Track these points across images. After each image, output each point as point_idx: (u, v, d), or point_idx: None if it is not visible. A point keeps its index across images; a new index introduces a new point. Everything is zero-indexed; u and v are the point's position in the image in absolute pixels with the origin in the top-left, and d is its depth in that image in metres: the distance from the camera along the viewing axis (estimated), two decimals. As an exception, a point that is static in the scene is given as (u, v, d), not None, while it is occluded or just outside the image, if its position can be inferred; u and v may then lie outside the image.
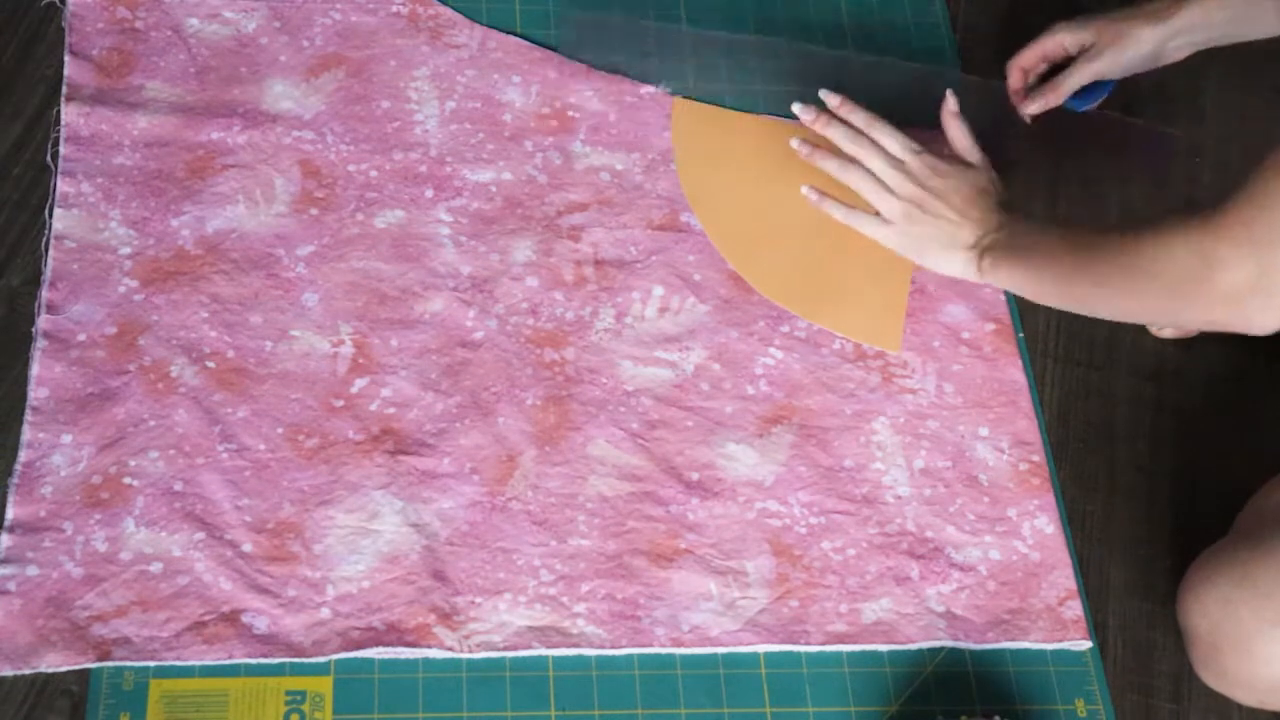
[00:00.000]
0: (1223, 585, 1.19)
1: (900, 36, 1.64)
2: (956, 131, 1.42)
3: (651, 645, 1.24)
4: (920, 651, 1.27)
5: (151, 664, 1.17)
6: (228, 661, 1.18)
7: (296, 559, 1.23)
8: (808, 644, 1.25)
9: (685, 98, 1.55)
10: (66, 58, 1.46)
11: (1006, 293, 1.47)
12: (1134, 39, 1.45)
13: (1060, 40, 1.47)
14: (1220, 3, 1.42)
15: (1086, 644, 1.29)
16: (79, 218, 1.37)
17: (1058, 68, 1.50)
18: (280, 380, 1.32)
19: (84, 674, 1.17)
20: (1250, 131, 1.60)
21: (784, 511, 1.32)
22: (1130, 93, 1.56)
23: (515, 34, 1.57)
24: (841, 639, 1.26)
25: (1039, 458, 1.38)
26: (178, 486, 1.25)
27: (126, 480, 1.24)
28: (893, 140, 1.41)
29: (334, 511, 1.26)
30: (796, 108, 1.45)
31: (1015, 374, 1.42)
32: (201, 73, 1.48)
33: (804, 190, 1.46)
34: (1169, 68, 1.50)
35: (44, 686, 1.16)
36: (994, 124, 1.50)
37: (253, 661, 1.18)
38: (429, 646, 1.21)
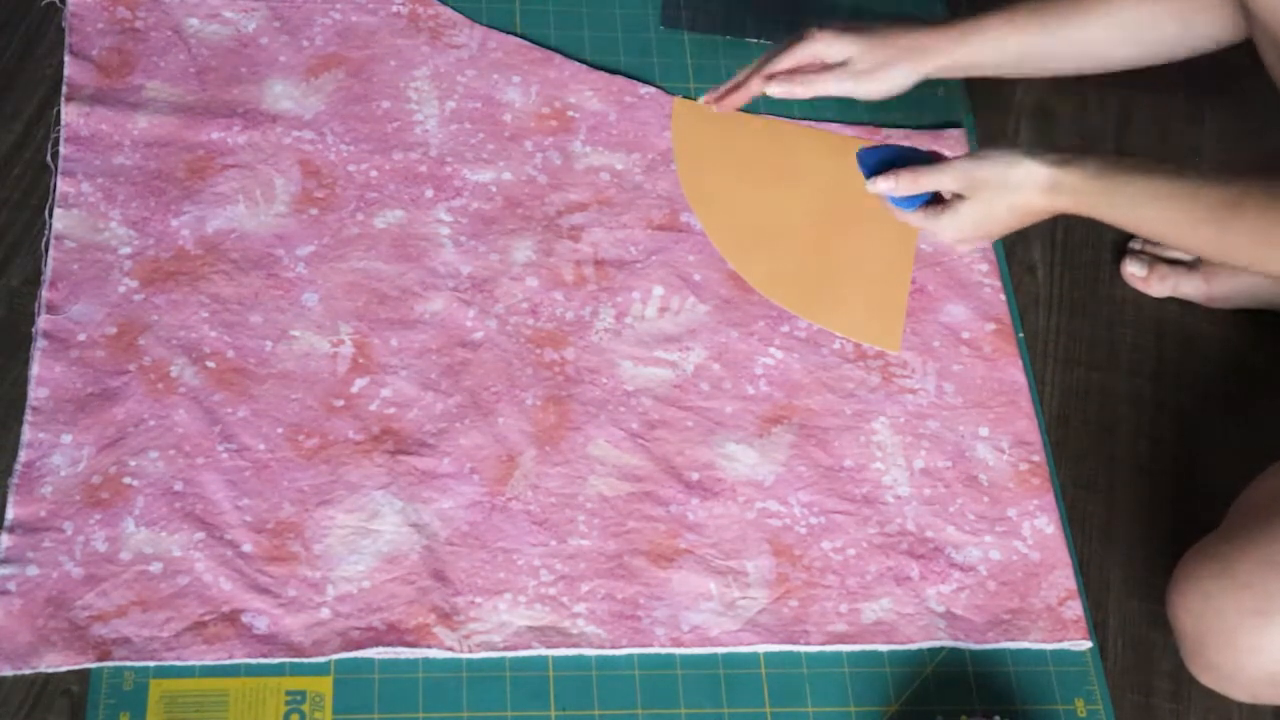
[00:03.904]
0: (1204, 580, 1.19)
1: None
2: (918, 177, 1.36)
3: (651, 645, 1.24)
4: (920, 651, 1.27)
5: (151, 664, 1.17)
6: (228, 661, 1.18)
7: (296, 559, 1.23)
8: (808, 644, 1.25)
9: (685, 98, 1.55)
10: (66, 58, 1.46)
11: (1006, 293, 1.47)
12: (890, 78, 1.42)
13: (817, 52, 1.43)
14: (998, 45, 1.39)
15: (1086, 644, 1.29)
16: (79, 218, 1.37)
17: None
18: (280, 380, 1.32)
19: (84, 674, 1.17)
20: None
21: (784, 511, 1.32)
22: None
23: (515, 34, 1.57)
24: (841, 639, 1.26)
25: (1039, 458, 1.38)
26: (178, 486, 1.25)
27: (126, 480, 1.24)
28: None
29: (334, 511, 1.26)
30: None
31: (1015, 374, 1.42)
32: (201, 73, 1.48)
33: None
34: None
35: (44, 686, 1.16)
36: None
37: (253, 661, 1.18)
38: (429, 646, 1.21)
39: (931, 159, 1.36)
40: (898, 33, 1.41)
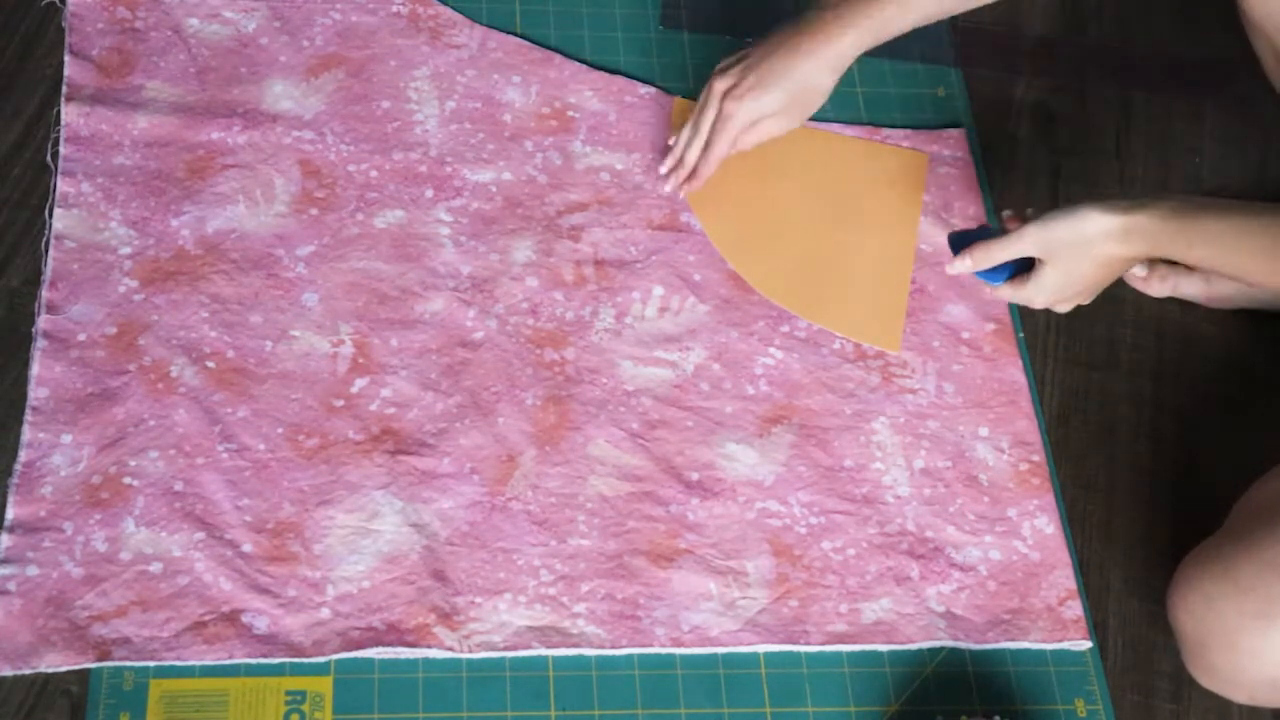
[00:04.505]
0: (1206, 583, 1.19)
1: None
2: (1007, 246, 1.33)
3: (651, 645, 1.24)
4: (920, 651, 1.27)
5: (151, 664, 1.17)
6: (228, 661, 1.18)
7: (296, 559, 1.23)
8: (808, 644, 1.25)
9: (685, 98, 1.55)
10: (66, 58, 1.46)
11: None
12: (819, 91, 1.40)
13: (748, 118, 1.40)
14: (901, 19, 1.37)
15: (1086, 644, 1.29)
16: (79, 218, 1.37)
17: None
18: (280, 380, 1.32)
19: (84, 674, 1.17)
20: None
21: (784, 511, 1.32)
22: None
23: (515, 34, 1.57)
24: (841, 639, 1.26)
25: (1039, 458, 1.38)
26: (178, 486, 1.25)
27: (126, 480, 1.24)
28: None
29: (334, 511, 1.26)
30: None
31: (1015, 374, 1.42)
32: (201, 73, 1.48)
33: None
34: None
35: (44, 686, 1.16)
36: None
37: (253, 661, 1.18)
38: (429, 646, 1.21)
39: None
40: (792, 57, 1.37)
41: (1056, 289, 1.32)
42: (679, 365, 1.38)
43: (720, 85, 1.39)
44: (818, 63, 1.37)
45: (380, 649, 1.20)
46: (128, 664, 1.17)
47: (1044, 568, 1.32)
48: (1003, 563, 1.32)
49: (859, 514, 1.32)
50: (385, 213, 1.42)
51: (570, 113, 1.52)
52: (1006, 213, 1.36)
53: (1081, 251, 1.28)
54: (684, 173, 1.43)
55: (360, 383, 1.33)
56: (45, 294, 1.32)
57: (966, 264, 1.33)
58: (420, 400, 1.32)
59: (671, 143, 1.44)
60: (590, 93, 1.54)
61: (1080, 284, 1.31)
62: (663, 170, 1.44)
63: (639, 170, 1.49)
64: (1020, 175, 1.57)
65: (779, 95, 1.38)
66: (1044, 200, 1.55)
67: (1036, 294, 1.32)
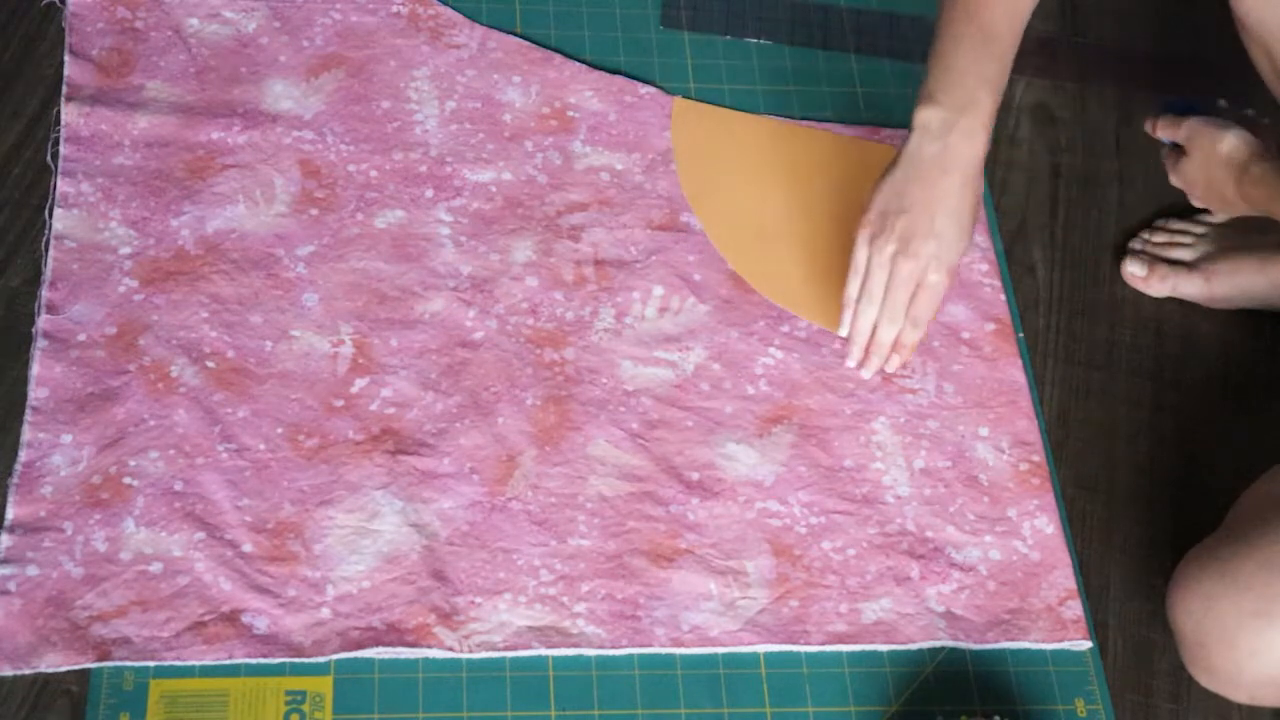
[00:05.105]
0: (1204, 582, 1.19)
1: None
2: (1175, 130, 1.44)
3: (651, 645, 1.24)
4: (920, 651, 1.27)
5: (151, 664, 1.17)
6: (228, 661, 1.18)
7: (296, 559, 1.23)
8: (808, 644, 1.25)
9: (685, 98, 1.56)
10: (66, 58, 1.46)
11: (1006, 293, 1.47)
12: (980, 207, 1.35)
13: (952, 277, 1.33)
14: (996, 95, 1.33)
15: (1086, 644, 1.29)
16: (79, 218, 1.37)
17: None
18: (280, 380, 1.32)
19: (84, 674, 1.17)
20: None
21: (784, 511, 1.32)
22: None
23: (515, 34, 1.57)
24: (841, 639, 1.26)
25: (1039, 458, 1.38)
26: (178, 486, 1.25)
27: (126, 480, 1.24)
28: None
29: (334, 511, 1.26)
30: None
31: (1015, 374, 1.42)
32: (201, 73, 1.48)
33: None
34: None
35: (44, 686, 1.16)
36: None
37: (253, 661, 1.18)
38: (429, 646, 1.21)
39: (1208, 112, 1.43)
40: (952, 199, 1.32)
41: (1187, 181, 1.42)
42: (679, 365, 1.38)
43: (910, 266, 1.31)
44: (971, 189, 1.32)
45: (380, 649, 1.20)
46: (128, 664, 1.17)
47: (1044, 568, 1.32)
48: (1003, 563, 1.32)
49: (859, 514, 1.32)
50: (385, 213, 1.42)
51: (570, 113, 1.52)
52: (1221, 102, 1.53)
53: (1209, 163, 1.38)
54: (884, 352, 1.36)
55: (360, 383, 1.33)
56: (45, 294, 1.32)
57: (1148, 127, 1.46)
58: (420, 400, 1.32)
59: (843, 333, 1.37)
60: (590, 93, 1.54)
61: (1200, 190, 1.41)
62: (851, 363, 1.38)
63: (639, 170, 1.50)
64: (1020, 175, 1.57)
65: (962, 241, 1.33)
66: (1044, 201, 1.56)
67: (1173, 174, 1.44)
